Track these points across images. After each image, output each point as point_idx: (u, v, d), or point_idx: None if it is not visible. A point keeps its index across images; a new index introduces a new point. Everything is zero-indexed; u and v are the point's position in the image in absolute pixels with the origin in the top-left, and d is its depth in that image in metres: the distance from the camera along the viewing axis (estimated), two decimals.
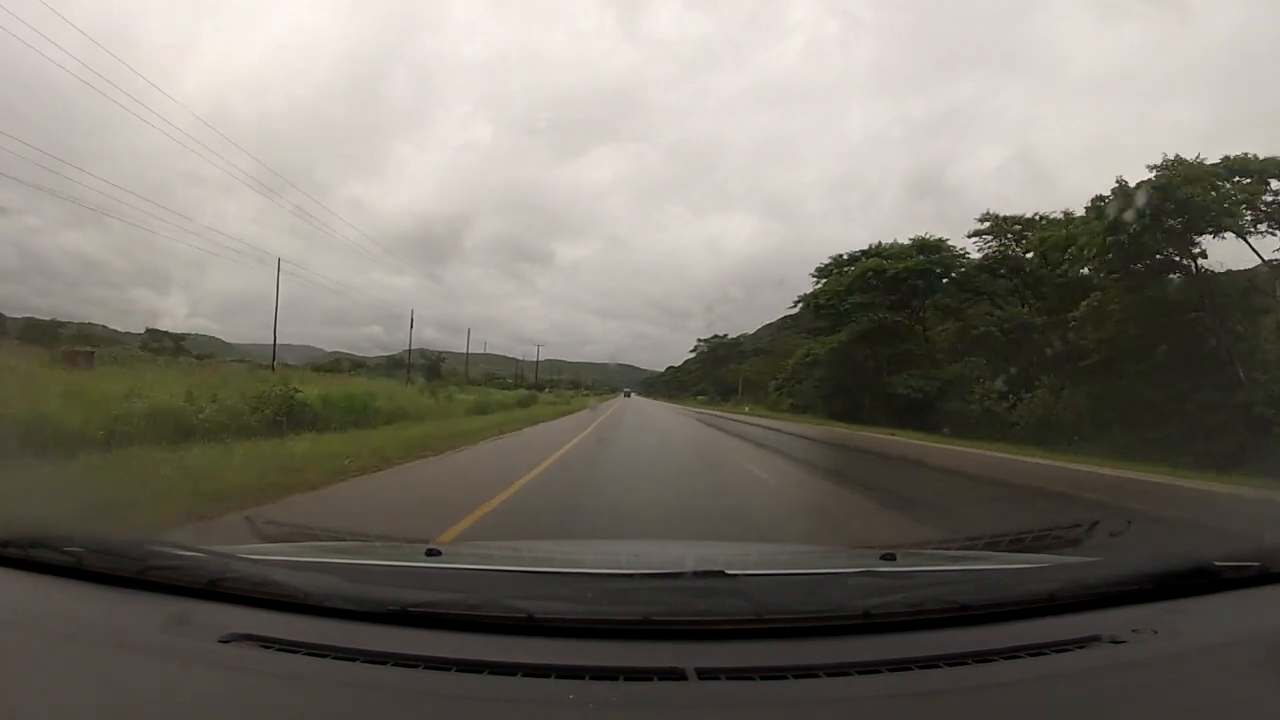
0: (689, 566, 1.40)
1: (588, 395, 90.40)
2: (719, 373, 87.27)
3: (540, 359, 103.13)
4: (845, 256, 37.24)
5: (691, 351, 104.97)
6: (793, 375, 51.02)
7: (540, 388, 73.18)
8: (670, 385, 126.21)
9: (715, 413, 49.27)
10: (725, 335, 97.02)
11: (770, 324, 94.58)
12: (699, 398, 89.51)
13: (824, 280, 37.82)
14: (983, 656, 1.08)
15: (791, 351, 55.34)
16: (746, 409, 53.17)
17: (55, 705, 0.95)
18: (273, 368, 24.32)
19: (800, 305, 40.53)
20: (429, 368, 52.07)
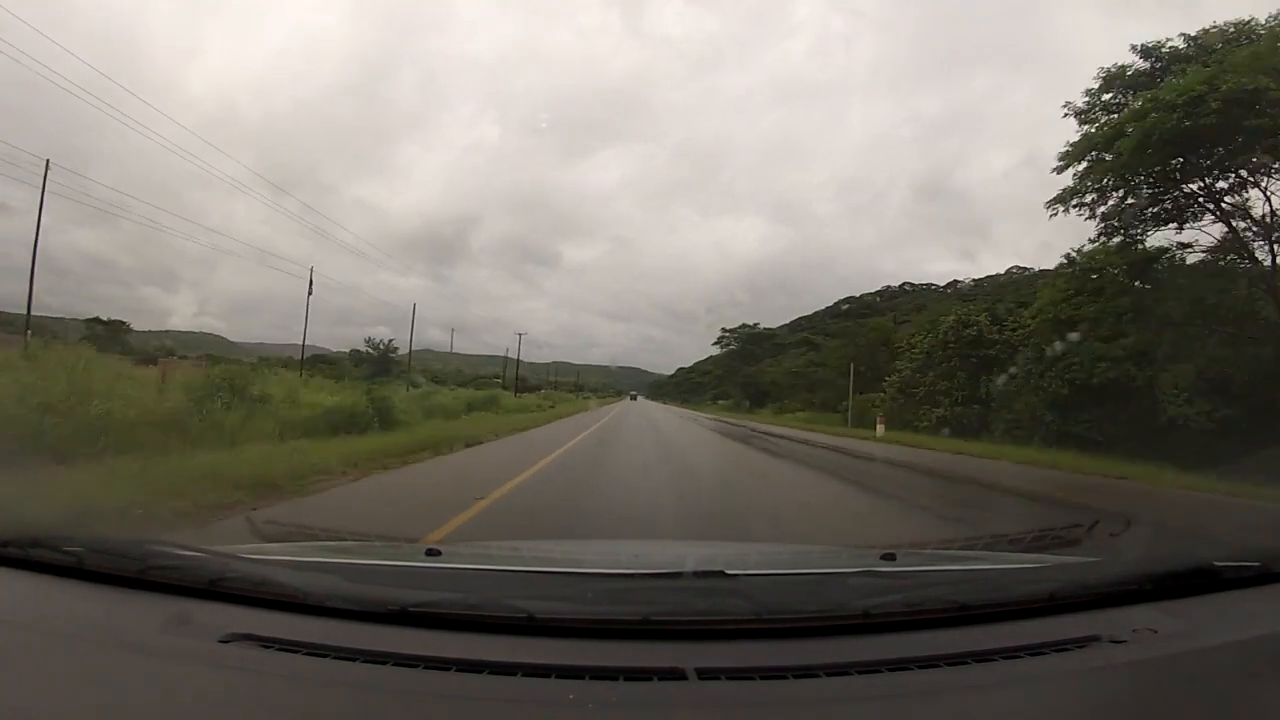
0: (689, 566, 1.40)
1: (588, 398, 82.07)
2: (746, 371, 68.85)
3: (548, 361, 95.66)
4: (1165, 49, 15.96)
5: (715, 344, 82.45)
6: (930, 363, 28.18)
7: (535, 388, 65.29)
8: (681, 388, 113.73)
9: (793, 433, 25.65)
10: (756, 325, 77.65)
11: (783, 325, 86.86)
12: (719, 403, 70.96)
13: (1112, 114, 16.09)
14: (983, 656, 1.08)
15: (882, 334, 38.30)
16: (880, 429, 26.55)
17: (55, 705, 0.95)
18: (25, 342, 14.38)
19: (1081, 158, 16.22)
20: (378, 360, 44.64)
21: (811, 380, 48.54)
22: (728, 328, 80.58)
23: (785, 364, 60.11)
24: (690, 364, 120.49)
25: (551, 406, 41.05)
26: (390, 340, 48.20)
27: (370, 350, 48.36)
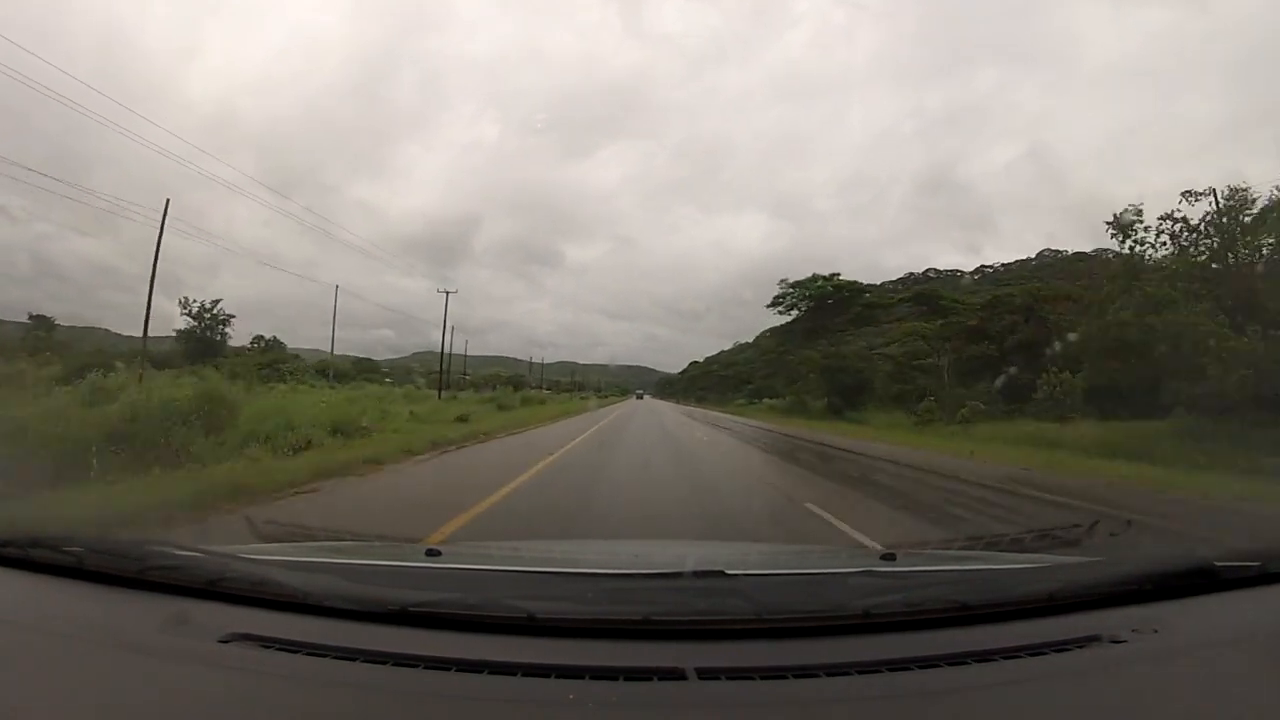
0: (689, 566, 1.40)
1: (587, 398, 75.87)
2: (827, 354, 36.87)
3: (551, 361, 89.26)
4: None
5: (771, 305, 43.65)
6: None
7: (480, 385, 49.02)
8: (696, 384, 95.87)
9: None
10: (835, 275, 40.35)
11: (886, 283, 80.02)
12: (764, 404, 48.92)
13: None
14: (983, 656, 1.08)
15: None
16: None
17: (55, 705, 0.95)
18: None
19: None
20: (199, 343, 30.54)
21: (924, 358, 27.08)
22: (792, 280, 42.63)
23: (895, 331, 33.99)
24: (703, 357, 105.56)
25: (461, 421, 18.75)
26: (216, 303, 32.48)
27: (189, 320, 31.59)
